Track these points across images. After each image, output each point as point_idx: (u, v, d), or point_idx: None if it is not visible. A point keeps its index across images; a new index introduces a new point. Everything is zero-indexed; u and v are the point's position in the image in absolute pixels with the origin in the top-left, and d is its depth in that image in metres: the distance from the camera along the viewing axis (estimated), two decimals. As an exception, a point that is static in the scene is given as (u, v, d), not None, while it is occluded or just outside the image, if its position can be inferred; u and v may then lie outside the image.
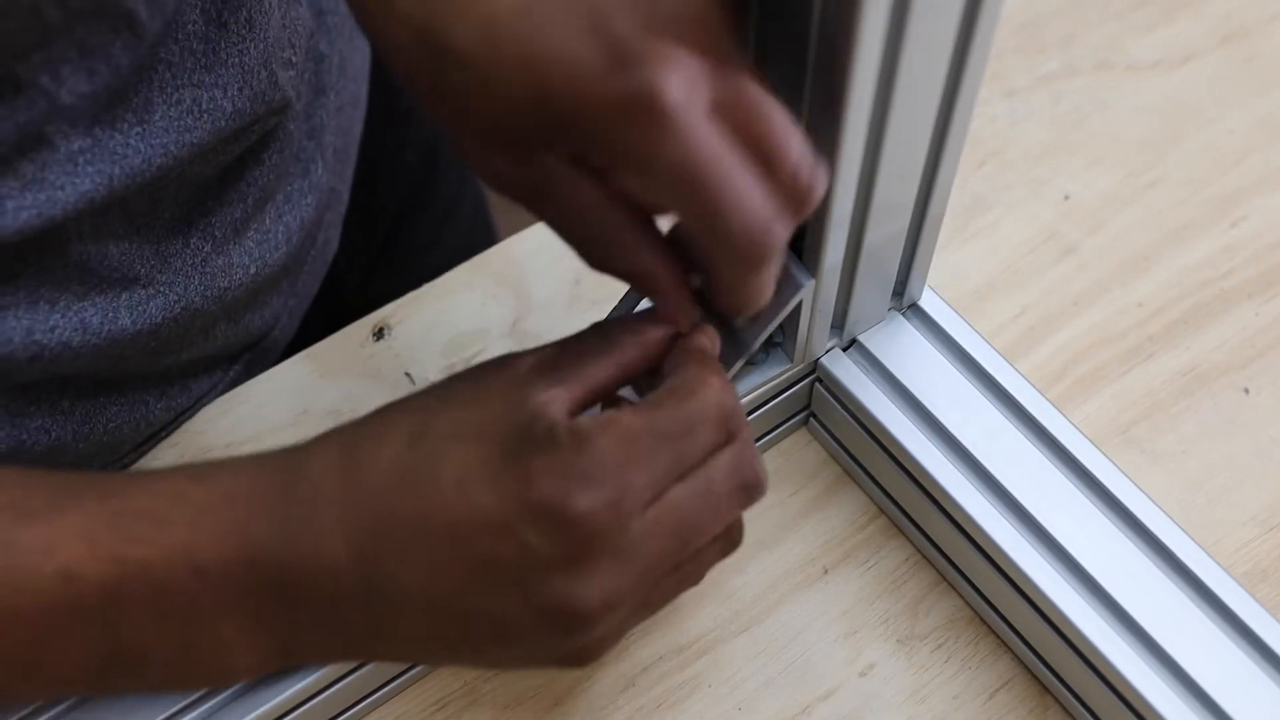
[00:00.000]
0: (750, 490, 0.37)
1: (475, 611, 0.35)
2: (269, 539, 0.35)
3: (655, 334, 0.38)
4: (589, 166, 0.34)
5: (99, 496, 0.36)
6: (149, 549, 0.35)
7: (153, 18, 0.40)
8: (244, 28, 0.45)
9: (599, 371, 0.37)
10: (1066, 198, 0.58)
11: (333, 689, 0.43)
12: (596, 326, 0.39)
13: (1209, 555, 0.43)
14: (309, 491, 0.36)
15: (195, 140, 0.44)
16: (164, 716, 0.41)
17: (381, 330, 0.54)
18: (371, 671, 0.44)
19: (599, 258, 0.38)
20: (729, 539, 0.40)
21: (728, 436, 0.37)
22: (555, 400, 0.35)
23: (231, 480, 0.37)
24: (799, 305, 0.43)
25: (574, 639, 0.36)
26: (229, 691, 0.42)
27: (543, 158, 0.34)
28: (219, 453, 0.52)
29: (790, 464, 0.51)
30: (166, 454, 0.53)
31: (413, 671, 0.46)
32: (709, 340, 0.39)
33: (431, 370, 0.53)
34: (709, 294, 0.40)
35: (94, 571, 0.34)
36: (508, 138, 0.34)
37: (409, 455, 0.35)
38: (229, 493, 0.36)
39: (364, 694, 0.45)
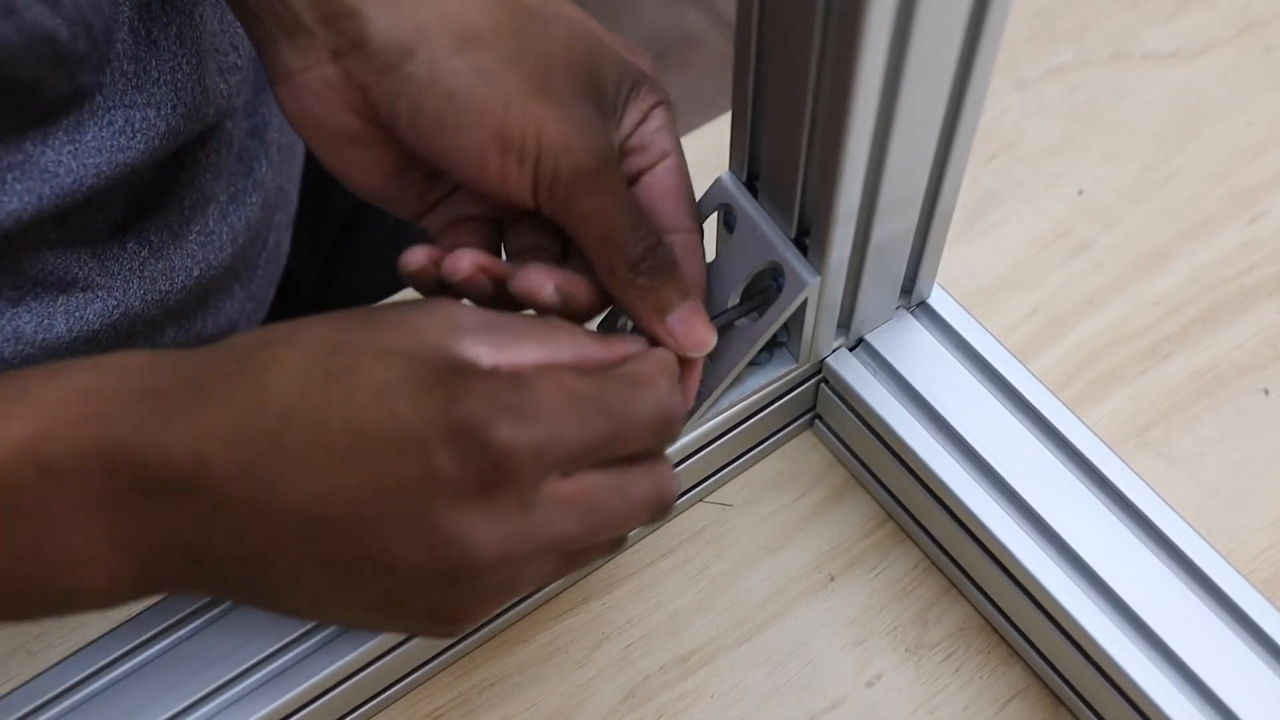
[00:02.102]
0: (662, 510, 0.36)
1: (362, 540, 0.33)
2: (132, 438, 0.32)
3: (594, 348, 0.36)
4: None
5: None
6: None
7: (76, 40, 0.40)
8: (174, 43, 0.45)
9: (530, 357, 0.35)
10: (1080, 193, 0.57)
11: (325, 698, 0.42)
12: (546, 317, 0.38)
13: (1227, 561, 0.42)
14: (192, 390, 0.33)
15: (128, 160, 0.43)
16: (165, 717, 0.40)
17: (374, 330, 0.54)
18: (363, 681, 0.43)
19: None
20: (616, 543, 0.38)
21: (658, 446, 0.36)
22: (484, 357, 0.34)
23: (91, 377, 0.33)
24: (804, 304, 0.43)
25: (456, 589, 0.33)
26: (219, 701, 0.41)
27: None
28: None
29: (795, 467, 0.50)
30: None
31: (405, 681, 0.45)
32: (670, 358, 0.38)
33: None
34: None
35: None
36: None
37: (320, 362, 0.33)
38: (87, 389, 0.33)
39: (356, 704, 0.44)
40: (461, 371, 0.32)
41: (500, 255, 0.42)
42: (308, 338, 0.34)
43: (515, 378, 0.33)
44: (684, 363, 0.40)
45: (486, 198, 0.39)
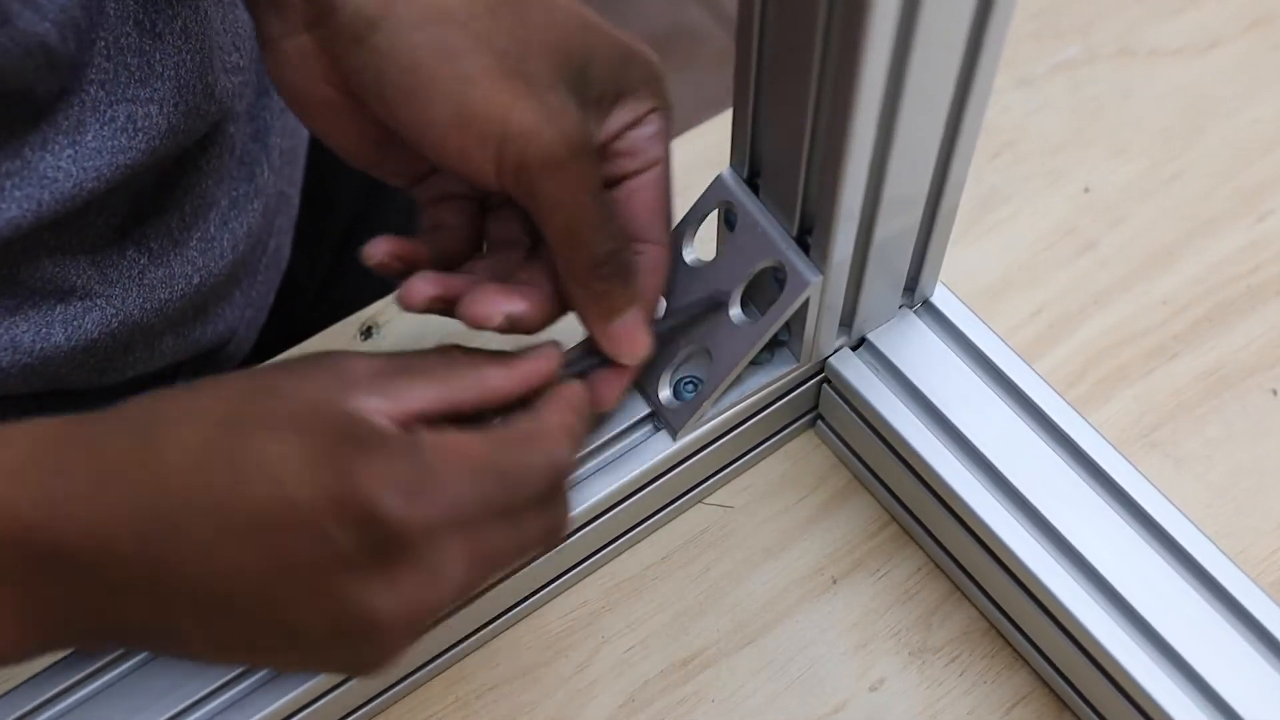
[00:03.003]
0: (552, 545, 0.38)
1: (263, 612, 0.34)
2: (38, 517, 0.33)
3: (497, 377, 0.37)
4: None
5: None
6: None
7: (65, 42, 0.40)
8: (179, 37, 0.44)
9: (427, 400, 0.36)
10: (1086, 190, 0.57)
11: (322, 701, 0.42)
12: (444, 350, 0.38)
13: (1235, 564, 0.42)
14: (95, 468, 0.33)
15: (128, 161, 0.43)
16: (172, 713, 0.40)
17: (370, 329, 0.53)
18: (361, 684, 0.43)
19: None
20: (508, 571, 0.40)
21: (552, 495, 0.37)
22: (378, 411, 0.34)
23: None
24: (806, 303, 0.42)
25: (365, 650, 0.34)
26: (213, 706, 0.41)
27: None
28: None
29: (797, 468, 0.50)
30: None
31: (401, 685, 0.45)
32: (578, 393, 0.39)
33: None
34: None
35: None
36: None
37: (217, 439, 0.33)
38: None
39: (354, 707, 0.44)
40: (353, 440, 0.33)
41: (481, 236, 0.43)
42: (203, 412, 0.34)
43: (410, 446, 0.33)
44: (619, 365, 0.41)
45: (457, 176, 0.39)
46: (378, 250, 0.40)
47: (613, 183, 0.41)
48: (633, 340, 0.40)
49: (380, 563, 0.33)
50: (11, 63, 0.38)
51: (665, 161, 0.41)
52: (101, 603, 0.34)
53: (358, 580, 0.33)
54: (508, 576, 0.42)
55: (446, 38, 0.36)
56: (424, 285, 0.39)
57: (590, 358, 0.41)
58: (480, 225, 0.43)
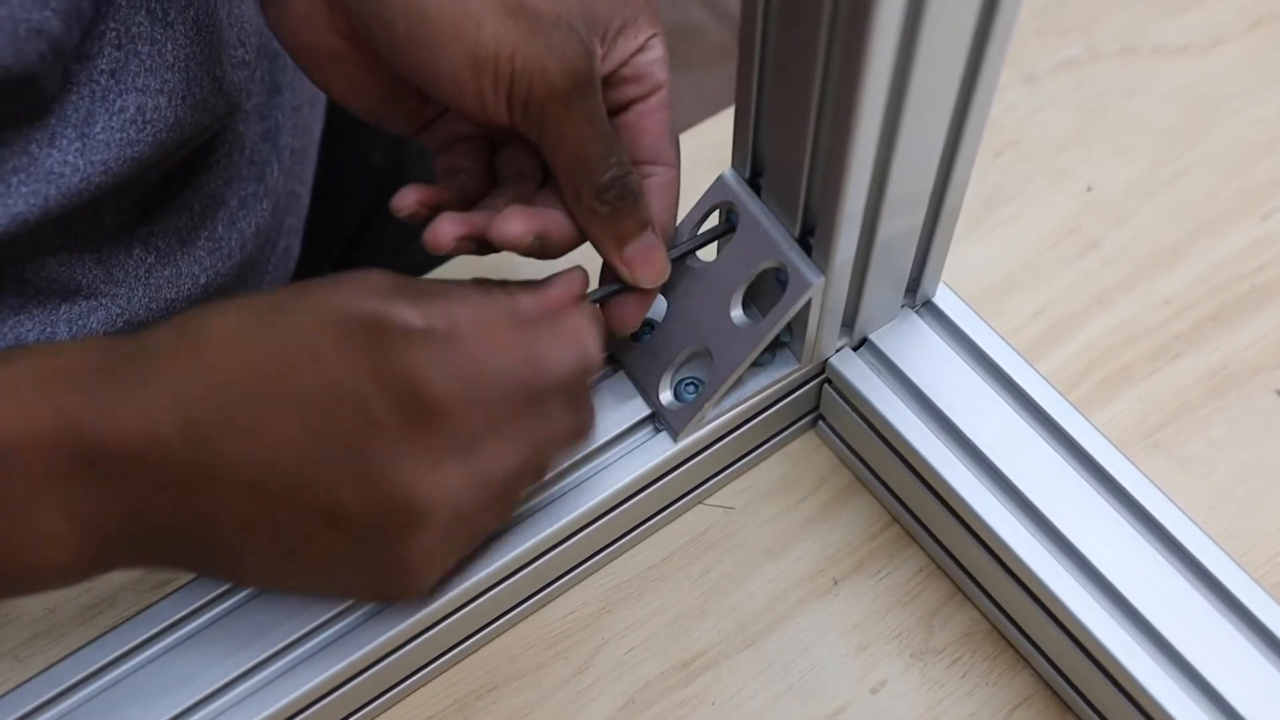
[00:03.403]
0: (580, 440, 0.39)
1: (307, 492, 0.34)
2: (87, 414, 0.34)
3: (528, 300, 0.38)
4: None
5: None
6: None
7: (70, 31, 0.39)
8: (190, 28, 0.44)
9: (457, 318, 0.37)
10: (1089, 189, 0.57)
11: (320, 704, 0.42)
12: (480, 281, 0.39)
13: (1239, 565, 0.42)
14: (140, 365, 0.34)
15: (137, 154, 0.43)
16: (169, 716, 0.40)
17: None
18: (359, 686, 0.43)
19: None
20: (540, 473, 0.40)
21: (578, 387, 0.38)
22: (412, 316, 0.35)
23: (44, 361, 0.35)
24: (808, 304, 0.42)
25: (402, 534, 0.35)
26: (209, 710, 0.41)
27: None
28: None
29: (798, 469, 0.50)
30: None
31: (401, 686, 0.45)
32: (595, 311, 0.40)
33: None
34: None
35: None
36: None
37: (257, 326, 0.34)
38: (42, 371, 0.34)
39: (351, 710, 0.44)
40: (392, 326, 0.34)
41: (494, 174, 0.44)
42: (241, 306, 0.35)
43: (448, 327, 0.35)
44: (638, 290, 0.42)
45: (471, 117, 0.39)
46: (408, 200, 0.41)
47: (620, 108, 0.41)
48: (648, 263, 0.41)
49: (421, 437, 0.33)
50: (9, 54, 0.38)
51: (668, 84, 0.42)
52: (150, 501, 0.34)
53: (398, 454, 0.34)
54: (534, 491, 0.42)
55: None
56: (450, 225, 0.40)
57: (609, 285, 0.42)
58: (492, 163, 0.43)
